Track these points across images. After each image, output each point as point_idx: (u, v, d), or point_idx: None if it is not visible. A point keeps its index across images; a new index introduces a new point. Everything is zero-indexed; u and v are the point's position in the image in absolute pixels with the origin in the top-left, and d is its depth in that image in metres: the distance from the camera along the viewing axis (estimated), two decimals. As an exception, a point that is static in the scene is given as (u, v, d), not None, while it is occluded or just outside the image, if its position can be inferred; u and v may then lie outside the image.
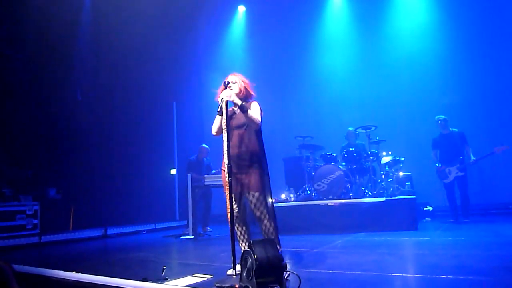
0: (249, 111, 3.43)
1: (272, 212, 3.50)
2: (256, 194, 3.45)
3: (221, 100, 3.41)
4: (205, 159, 7.91)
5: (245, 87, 3.61)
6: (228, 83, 3.42)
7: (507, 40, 8.36)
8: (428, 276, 3.14)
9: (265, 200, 3.46)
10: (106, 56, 8.75)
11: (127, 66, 9.14)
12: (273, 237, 3.38)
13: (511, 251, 3.98)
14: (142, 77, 9.55)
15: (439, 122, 7.10)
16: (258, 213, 3.46)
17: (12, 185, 7.00)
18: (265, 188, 3.48)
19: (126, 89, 9.17)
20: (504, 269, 3.14)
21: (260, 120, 3.50)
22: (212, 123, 3.65)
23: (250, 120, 3.44)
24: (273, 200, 3.65)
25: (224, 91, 3.46)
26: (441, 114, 7.58)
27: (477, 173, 7.72)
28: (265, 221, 3.46)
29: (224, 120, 3.36)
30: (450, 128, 7.08)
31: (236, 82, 3.56)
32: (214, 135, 3.65)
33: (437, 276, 3.03)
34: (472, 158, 6.81)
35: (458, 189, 6.92)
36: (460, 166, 6.82)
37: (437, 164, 7.12)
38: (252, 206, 3.46)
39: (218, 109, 3.44)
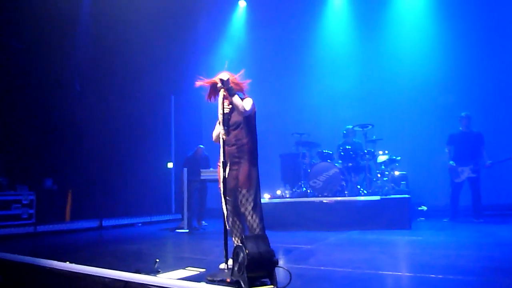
0: (235, 97, 3.48)
1: (257, 209, 3.53)
2: (243, 191, 3.51)
3: (219, 80, 3.42)
4: (203, 153, 7.95)
5: (236, 83, 3.62)
6: (222, 82, 3.41)
7: (508, 38, 8.33)
8: (418, 275, 3.18)
9: (251, 197, 3.51)
10: (104, 48, 8.72)
11: (125, 58, 9.10)
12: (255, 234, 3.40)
13: (502, 252, 4.02)
14: (141, 69, 9.53)
15: (464, 118, 7.04)
16: (242, 209, 3.53)
17: (8, 174, 7.00)
18: (252, 185, 3.53)
19: (125, 81, 9.15)
20: (494, 270, 3.18)
21: (246, 108, 3.53)
22: (212, 130, 3.74)
23: (236, 105, 3.49)
24: (261, 197, 3.68)
25: (221, 74, 3.50)
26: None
27: (488, 173, 7.66)
28: (249, 218, 3.50)
29: (221, 117, 3.37)
30: (470, 127, 7.05)
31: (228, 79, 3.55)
32: (214, 142, 3.73)
33: (427, 275, 3.06)
34: (488, 161, 6.80)
35: (470, 190, 6.93)
36: (474, 167, 6.82)
37: (451, 162, 7.09)
38: (238, 201, 3.54)
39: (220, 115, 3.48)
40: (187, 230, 6.99)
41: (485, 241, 4.75)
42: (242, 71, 3.73)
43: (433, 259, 3.77)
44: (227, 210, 3.28)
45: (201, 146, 8.05)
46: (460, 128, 7.15)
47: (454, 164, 7.03)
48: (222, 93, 3.42)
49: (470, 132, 7.03)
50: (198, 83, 3.61)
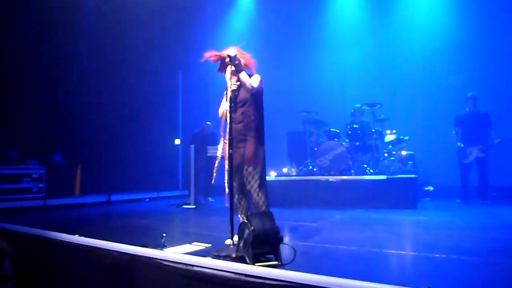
0: (242, 74, 3.45)
1: (263, 187, 3.55)
2: (249, 168, 3.52)
3: (227, 56, 3.39)
4: (210, 130, 7.95)
5: (244, 59, 3.57)
6: (230, 58, 3.37)
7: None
8: (422, 254, 3.19)
9: (257, 174, 3.51)
10: (112, 24, 8.65)
11: (133, 34, 9.05)
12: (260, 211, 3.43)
13: (508, 233, 4.01)
14: (149, 46, 9.48)
15: (470, 98, 6.97)
16: (248, 187, 3.54)
17: (18, 148, 7.08)
18: (258, 162, 3.53)
19: (132, 57, 9.11)
20: (498, 251, 3.18)
21: (253, 85, 3.50)
22: (217, 101, 3.72)
23: (243, 82, 3.47)
24: (266, 174, 3.69)
25: (229, 50, 3.48)
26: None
27: (496, 154, 7.60)
28: (255, 195, 3.52)
29: (230, 94, 3.35)
30: (477, 108, 6.97)
31: (236, 55, 3.50)
32: (219, 118, 3.72)
33: (431, 255, 3.07)
34: (496, 140, 6.73)
35: (477, 170, 6.88)
36: (482, 147, 6.76)
37: (458, 143, 7.04)
38: (244, 179, 3.54)
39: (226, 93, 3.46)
40: (194, 206, 7.07)
41: (491, 222, 4.74)
42: (244, 42, 3.68)
43: (437, 239, 3.78)
44: (232, 187, 3.31)
45: (208, 123, 8.04)
46: (467, 109, 7.06)
47: (462, 145, 6.97)
48: (229, 69, 3.40)
49: (477, 113, 6.95)
50: (207, 55, 3.55)
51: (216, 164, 3.60)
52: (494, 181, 7.36)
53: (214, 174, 3.60)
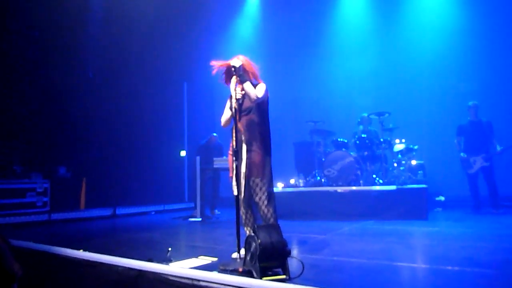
0: (247, 84, 3.45)
1: (271, 199, 3.53)
2: (257, 180, 3.49)
3: (233, 89, 3.42)
4: (217, 141, 7.97)
5: (249, 68, 3.58)
6: (235, 68, 3.40)
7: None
8: (434, 267, 3.16)
9: (265, 186, 3.49)
10: (117, 35, 8.76)
11: (138, 45, 9.16)
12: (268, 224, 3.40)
13: (523, 244, 3.95)
14: (153, 56, 9.57)
15: (471, 107, 6.98)
16: (256, 199, 3.52)
17: (23, 162, 7.14)
18: (265, 174, 3.51)
19: (137, 69, 9.20)
20: (513, 263, 3.14)
21: (258, 95, 3.49)
22: (223, 111, 3.72)
23: (247, 93, 3.47)
24: (274, 186, 3.67)
25: (234, 60, 3.50)
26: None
27: (504, 162, 7.52)
28: (263, 208, 3.49)
29: (234, 104, 3.38)
30: (479, 117, 6.97)
31: (241, 66, 3.51)
32: (222, 126, 3.74)
33: (443, 267, 3.04)
34: (498, 147, 6.70)
35: (484, 180, 6.84)
36: (486, 156, 6.73)
37: (461, 154, 7.02)
38: (252, 191, 3.52)
39: (230, 102, 3.47)
40: (200, 219, 7.06)
41: (504, 232, 4.68)
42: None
43: (449, 250, 3.73)
44: (239, 200, 3.31)
45: (215, 134, 8.07)
46: (469, 118, 7.05)
47: (465, 155, 6.94)
48: (234, 79, 3.42)
49: (479, 121, 6.95)
50: (214, 64, 3.57)
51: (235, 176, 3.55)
52: (506, 191, 7.28)
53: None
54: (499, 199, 6.78)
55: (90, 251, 3.39)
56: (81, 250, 3.40)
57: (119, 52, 8.81)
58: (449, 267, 3.02)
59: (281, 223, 3.12)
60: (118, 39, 8.80)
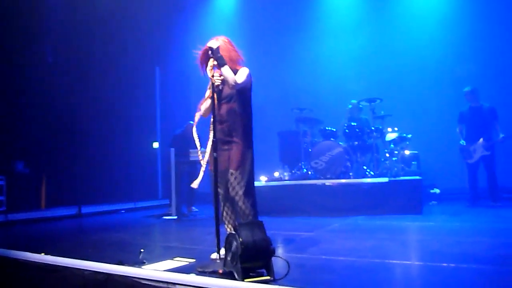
0: (225, 68, 3.44)
1: (250, 194, 3.53)
2: (235, 173, 3.50)
3: (211, 70, 3.39)
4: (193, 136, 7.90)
5: (228, 51, 3.56)
6: (212, 50, 3.38)
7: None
8: (429, 263, 3.23)
9: (244, 180, 3.49)
10: (80, 16, 8.56)
11: (104, 27, 8.97)
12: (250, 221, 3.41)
13: (521, 238, 4.08)
14: (122, 39, 9.41)
15: (467, 93, 7.08)
16: (233, 193, 3.51)
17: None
18: (244, 166, 3.51)
19: (103, 53, 9.03)
20: (510, 257, 3.23)
21: (238, 81, 3.49)
22: (201, 99, 3.69)
23: (226, 78, 3.46)
24: (256, 180, 3.68)
25: (211, 41, 3.49)
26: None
27: (504, 152, 7.61)
28: (240, 203, 3.49)
29: (209, 92, 3.37)
30: (481, 102, 7.07)
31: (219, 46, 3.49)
32: (202, 116, 3.72)
33: (438, 264, 3.11)
34: (501, 135, 6.80)
35: (484, 170, 6.97)
36: (486, 144, 6.84)
37: (461, 142, 7.14)
38: (229, 185, 3.52)
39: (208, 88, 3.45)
40: (176, 217, 7.04)
41: (502, 226, 4.82)
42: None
43: (445, 246, 3.83)
44: (219, 195, 3.31)
45: (191, 122, 8.00)
46: (470, 104, 7.16)
47: (465, 143, 7.06)
48: (211, 62, 3.40)
49: (480, 107, 7.05)
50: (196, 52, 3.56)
51: (202, 169, 3.56)
52: (506, 182, 7.47)
53: (198, 180, 3.56)
54: (499, 191, 6.94)
55: (52, 254, 3.35)
56: (43, 254, 3.36)
57: (82, 35, 8.61)
58: (445, 264, 3.09)
59: (265, 219, 3.13)
60: (81, 21, 8.59)
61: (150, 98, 10.72)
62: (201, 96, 3.70)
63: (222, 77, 3.50)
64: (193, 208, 7.83)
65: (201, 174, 3.51)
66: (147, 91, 10.61)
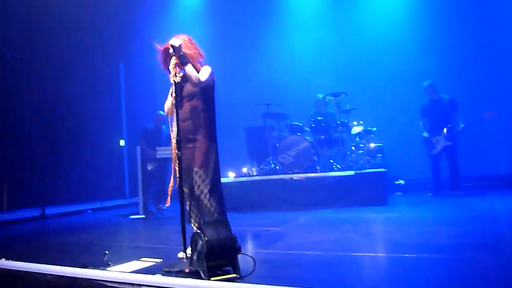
0: (188, 67, 3.45)
1: (215, 191, 3.54)
2: (199, 170, 3.51)
3: (173, 68, 3.37)
4: (163, 127, 7.81)
5: (190, 50, 3.55)
6: (174, 48, 3.36)
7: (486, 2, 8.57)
8: (391, 255, 3.34)
9: (208, 178, 3.51)
10: (39, 10, 8.28)
11: (65, 21, 8.71)
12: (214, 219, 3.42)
13: (478, 226, 4.24)
14: (84, 34, 9.16)
15: (426, 88, 7.31)
16: (198, 192, 3.52)
17: None
18: (208, 164, 3.53)
19: (64, 48, 8.77)
20: (469, 246, 3.36)
21: (201, 79, 3.50)
22: (166, 96, 3.67)
23: (189, 76, 3.46)
24: (221, 177, 3.70)
25: (173, 39, 3.46)
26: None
27: (466, 143, 7.96)
28: (205, 201, 3.50)
29: (173, 89, 3.34)
30: (440, 94, 7.30)
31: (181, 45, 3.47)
32: (166, 115, 3.72)
33: (400, 255, 3.21)
34: (461, 125, 7.03)
35: (447, 160, 7.19)
36: (448, 135, 7.06)
37: (424, 134, 7.35)
38: (194, 183, 3.52)
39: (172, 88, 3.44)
40: (143, 216, 6.97)
41: (462, 215, 4.99)
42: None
43: (407, 237, 3.94)
44: (183, 193, 3.30)
45: (162, 112, 7.87)
46: (430, 97, 7.39)
47: (427, 135, 7.28)
48: (173, 60, 3.37)
49: (440, 99, 7.29)
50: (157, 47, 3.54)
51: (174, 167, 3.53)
52: (467, 171, 7.76)
53: (172, 178, 3.53)
54: (460, 181, 7.20)
55: (13, 259, 3.27)
56: (3, 259, 3.27)
57: (42, 30, 8.34)
58: (406, 255, 3.20)
59: (233, 215, 3.15)
60: (41, 15, 8.32)
61: (115, 95, 10.50)
62: (166, 92, 3.68)
63: (181, 74, 3.49)
64: (161, 206, 7.75)
65: (173, 171, 3.49)
66: (112, 87, 10.39)
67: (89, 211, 8.55)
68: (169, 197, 3.59)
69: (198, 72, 3.52)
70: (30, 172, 7.92)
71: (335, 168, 7.25)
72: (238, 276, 2.71)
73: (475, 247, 3.32)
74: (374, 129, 7.79)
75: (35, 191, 7.85)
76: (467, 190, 7.27)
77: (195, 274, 2.77)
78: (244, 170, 8.25)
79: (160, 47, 3.57)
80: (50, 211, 7.86)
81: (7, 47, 7.93)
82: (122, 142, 10.35)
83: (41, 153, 8.09)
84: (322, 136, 7.59)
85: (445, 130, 7.03)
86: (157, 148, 6.99)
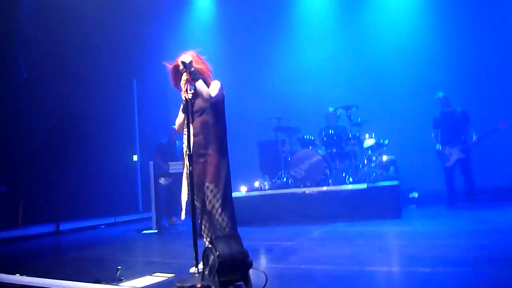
0: (199, 82, 3.48)
1: (227, 206, 3.54)
2: (210, 185, 3.52)
3: (184, 84, 3.41)
4: (177, 142, 7.85)
5: (199, 65, 3.59)
6: (184, 65, 3.40)
7: (499, 12, 8.52)
8: (406, 269, 3.29)
9: (220, 193, 3.52)
10: (55, 29, 8.45)
11: (79, 39, 8.88)
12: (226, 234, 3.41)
13: (494, 239, 4.17)
14: (98, 51, 9.32)
15: (439, 100, 7.25)
16: (209, 207, 3.53)
17: None
18: (220, 178, 3.54)
19: (79, 66, 8.93)
20: (485, 259, 3.30)
21: (211, 94, 3.53)
22: (178, 111, 3.74)
23: (200, 92, 3.50)
24: (233, 191, 3.70)
25: (183, 56, 3.50)
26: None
27: (480, 154, 7.81)
28: (217, 216, 3.50)
29: (184, 98, 3.39)
30: (453, 107, 7.23)
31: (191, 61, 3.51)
32: (177, 131, 3.78)
33: (415, 269, 3.16)
34: (474, 137, 6.96)
35: (461, 173, 7.10)
36: (462, 147, 6.99)
37: (437, 146, 7.28)
38: (205, 198, 3.54)
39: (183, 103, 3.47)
40: (156, 231, 6.97)
41: (478, 228, 4.91)
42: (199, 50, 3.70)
43: (422, 250, 3.89)
44: (195, 208, 3.31)
45: (175, 126, 7.92)
46: (442, 109, 7.33)
47: (440, 148, 7.21)
48: (184, 76, 3.41)
49: (453, 111, 7.22)
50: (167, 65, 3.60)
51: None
52: (482, 184, 7.64)
53: (183, 194, 3.55)
54: (475, 193, 7.08)
55: (28, 275, 3.29)
56: (18, 274, 3.30)
57: (58, 48, 8.52)
58: (421, 269, 3.14)
59: (246, 230, 3.15)
60: (56, 34, 8.49)
61: (128, 110, 10.62)
62: (179, 107, 3.72)
63: (192, 91, 3.53)
64: (175, 219, 7.74)
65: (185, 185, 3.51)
66: (125, 103, 10.52)
67: (103, 226, 8.59)
68: (183, 211, 3.59)
69: (208, 87, 3.56)
70: (45, 188, 8.01)
71: (348, 182, 7.21)
72: (250, 291, 2.70)
73: (491, 260, 3.26)
74: (386, 141, 7.75)
75: (50, 206, 7.92)
76: (482, 203, 7.15)
77: (207, 289, 2.76)
78: (256, 184, 8.22)
79: (169, 66, 3.61)
80: (64, 226, 7.90)
81: (23, 65, 8.10)
82: (135, 157, 10.43)
83: (55, 169, 8.18)
84: (334, 150, 7.57)
85: (457, 148, 6.98)
86: (169, 163, 7.03)
